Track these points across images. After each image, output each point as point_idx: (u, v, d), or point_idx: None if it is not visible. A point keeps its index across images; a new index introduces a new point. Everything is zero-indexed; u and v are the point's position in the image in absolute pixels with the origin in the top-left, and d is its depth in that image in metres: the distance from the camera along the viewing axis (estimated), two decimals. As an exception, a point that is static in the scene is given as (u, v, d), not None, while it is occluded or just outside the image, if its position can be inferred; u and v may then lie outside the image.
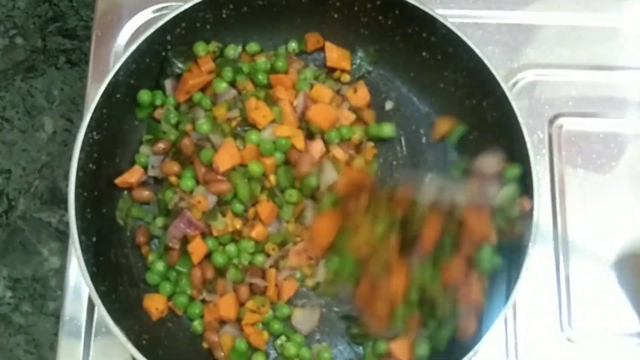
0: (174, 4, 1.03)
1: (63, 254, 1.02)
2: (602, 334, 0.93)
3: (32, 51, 1.14)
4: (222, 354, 0.86)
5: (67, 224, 1.01)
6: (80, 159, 0.82)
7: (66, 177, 0.82)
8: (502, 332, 0.92)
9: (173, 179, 0.90)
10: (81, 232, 0.80)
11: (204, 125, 0.88)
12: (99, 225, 0.86)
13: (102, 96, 0.85)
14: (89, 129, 0.83)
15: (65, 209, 0.81)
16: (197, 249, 0.87)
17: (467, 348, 0.78)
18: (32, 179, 1.07)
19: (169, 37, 0.92)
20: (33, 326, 1.00)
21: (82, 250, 0.80)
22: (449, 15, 0.96)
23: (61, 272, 1.01)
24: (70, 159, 0.82)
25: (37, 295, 1.01)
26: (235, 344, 0.86)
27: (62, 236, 1.03)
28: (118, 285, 0.86)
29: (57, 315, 0.99)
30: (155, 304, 0.87)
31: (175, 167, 0.90)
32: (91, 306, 0.92)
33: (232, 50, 0.96)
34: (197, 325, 0.88)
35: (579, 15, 1.07)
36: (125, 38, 1.03)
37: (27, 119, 1.10)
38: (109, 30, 1.04)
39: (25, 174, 1.07)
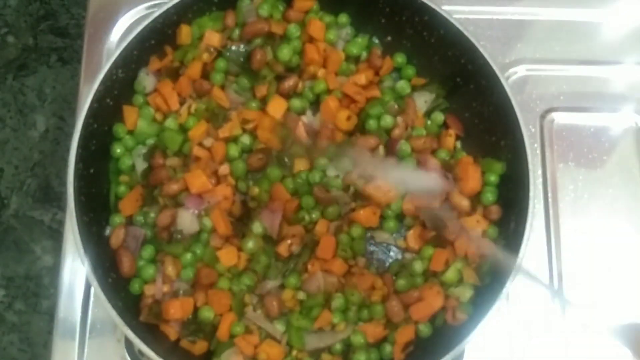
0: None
1: (56, 252, 1.01)
2: (594, 326, 0.94)
3: (24, 49, 1.14)
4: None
5: (60, 222, 1.01)
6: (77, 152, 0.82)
7: (58, 175, 0.82)
8: (496, 326, 0.92)
9: None
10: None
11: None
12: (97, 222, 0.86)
13: (95, 94, 0.85)
14: (85, 126, 0.83)
15: (58, 207, 0.81)
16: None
17: (460, 338, 0.78)
18: (24, 178, 1.07)
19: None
20: (27, 324, 0.99)
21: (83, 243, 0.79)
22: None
23: (54, 270, 1.00)
24: (62, 157, 0.82)
25: (31, 294, 1.01)
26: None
27: (55, 234, 1.03)
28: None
29: (50, 314, 0.98)
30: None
31: None
32: (85, 304, 0.92)
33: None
34: None
35: (570, 11, 1.08)
36: (118, 35, 1.03)
37: (19, 117, 1.10)
38: (101, 27, 1.04)
39: (17, 173, 1.07)
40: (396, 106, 0.92)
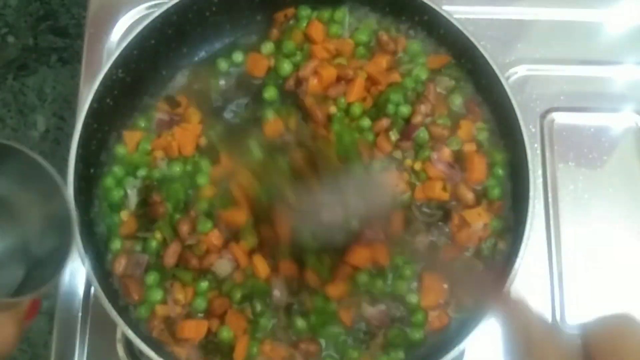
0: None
1: (56, 252, 1.01)
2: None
3: (24, 49, 1.14)
4: None
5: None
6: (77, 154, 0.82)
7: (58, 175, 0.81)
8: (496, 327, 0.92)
9: None
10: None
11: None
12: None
13: (95, 94, 0.85)
14: (85, 125, 0.83)
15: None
16: None
17: (459, 338, 0.78)
18: (24, 178, 1.07)
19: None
20: (27, 325, 0.99)
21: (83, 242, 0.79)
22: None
23: (54, 270, 1.00)
24: (63, 157, 0.81)
25: (31, 294, 1.01)
26: None
27: (56, 234, 1.03)
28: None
29: (51, 314, 0.98)
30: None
31: None
32: (85, 304, 0.92)
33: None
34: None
35: (570, 11, 1.08)
36: (118, 35, 1.03)
37: (19, 117, 1.10)
38: (101, 27, 1.04)
39: (17, 173, 1.07)
40: (417, 92, 0.90)
